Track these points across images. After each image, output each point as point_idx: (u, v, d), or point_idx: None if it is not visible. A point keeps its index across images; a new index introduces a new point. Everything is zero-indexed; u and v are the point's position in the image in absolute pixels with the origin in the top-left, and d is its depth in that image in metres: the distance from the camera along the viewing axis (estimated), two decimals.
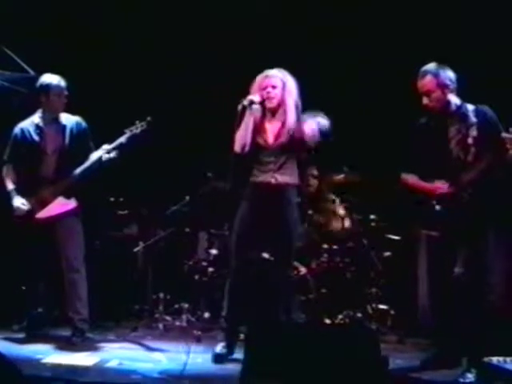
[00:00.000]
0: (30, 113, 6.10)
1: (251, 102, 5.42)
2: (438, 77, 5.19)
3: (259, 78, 5.54)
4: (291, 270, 5.69)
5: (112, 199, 7.32)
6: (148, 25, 7.64)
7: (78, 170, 5.91)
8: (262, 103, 5.50)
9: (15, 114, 6.30)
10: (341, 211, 6.96)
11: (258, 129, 5.53)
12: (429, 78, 5.19)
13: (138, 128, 5.96)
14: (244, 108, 5.40)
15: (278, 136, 5.52)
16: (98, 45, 7.56)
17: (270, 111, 5.55)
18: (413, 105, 5.98)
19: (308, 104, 7.23)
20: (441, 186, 5.19)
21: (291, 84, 5.53)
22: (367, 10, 7.31)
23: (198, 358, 5.54)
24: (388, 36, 7.24)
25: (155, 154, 7.23)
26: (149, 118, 5.98)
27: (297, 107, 5.52)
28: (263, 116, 5.58)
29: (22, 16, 7.15)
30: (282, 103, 5.51)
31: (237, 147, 5.47)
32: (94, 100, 6.85)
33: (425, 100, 5.23)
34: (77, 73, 6.41)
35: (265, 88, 5.47)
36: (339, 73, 7.41)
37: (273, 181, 5.47)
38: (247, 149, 5.45)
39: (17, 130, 6.08)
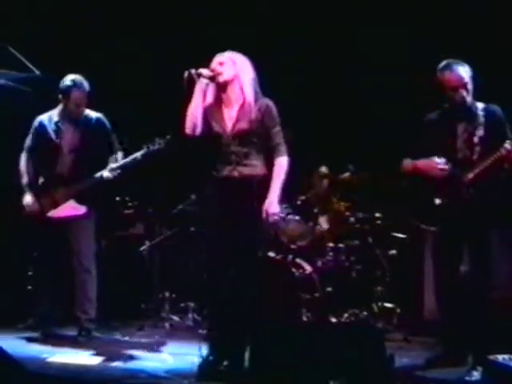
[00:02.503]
0: (34, 112, 6.13)
1: (198, 75, 5.00)
2: (468, 70, 5.22)
3: None
4: (249, 272, 5.13)
5: (118, 198, 7.33)
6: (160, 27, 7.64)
7: (92, 179, 5.92)
8: (212, 79, 5.06)
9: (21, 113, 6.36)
10: (345, 211, 6.97)
11: (215, 115, 5.10)
12: (463, 71, 5.21)
13: (155, 146, 5.87)
14: (191, 78, 4.99)
15: (236, 122, 5.07)
16: (106, 43, 7.56)
17: (225, 93, 5.09)
18: (418, 102, 6.01)
19: (309, 102, 7.24)
20: (437, 163, 5.21)
21: (242, 61, 5.11)
22: (369, 7, 7.30)
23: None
24: (395, 33, 7.23)
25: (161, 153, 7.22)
26: (168, 137, 5.88)
27: (253, 85, 5.09)
28: (219, 101, 5.13)
29: (28, 15, 7.17)
30: (234, 81, 5.06)
31: (187, 128, 5.07)
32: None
33: (464, 93, 5.20)
34: (83, 72, 6.42)
35: (213, 69, 5.07)
36: (342, 70, 7.40)
37: (236, 174, 5.06)
38: (199, 130, 5.05)
39: (36, 122, 6.11)
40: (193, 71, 4.98)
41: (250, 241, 5.09)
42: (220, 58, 5.10)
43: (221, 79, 5.05)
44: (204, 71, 5.03)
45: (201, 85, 5.04)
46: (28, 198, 6.02)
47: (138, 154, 5.90)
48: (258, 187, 5.07)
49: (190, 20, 7.58)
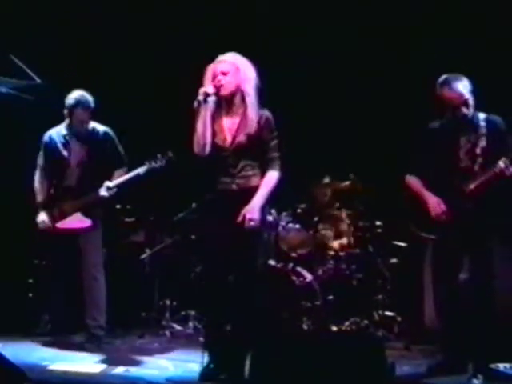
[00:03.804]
0: (37, 120, 6.17)
1: (206, 95, 4.89)
2: (467, 86, 5.23)
3: (210, 66, 5.02)
4: (252, 283, 5.07)
5: (119, 206, 7.33)
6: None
7: (92, 196, 5.98)
8: (217, 94, 4.95)
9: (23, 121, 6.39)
10: (345, 222, 6.98)
11: (215, 125, 5.01)
12: (462, 87, 5.21)
13: (157, 162, 5.95)
14: (200, 104, 4.91)
15: (236, 135, 5.00)
16: (107, 51, 7.58)
17: (226, 102, 5.01)
18: (420, 111, 6.02)
19: (311, 111, 7.22)
20: (436, 206, 5.23)
21: (246, 68, 4.99)
22: (369, 19, 7.32)
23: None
24: (396, 44, 7.25)
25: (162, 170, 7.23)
26: (170, 154, 5.95)
27: (256, 94, 4.98)
28: (220, 109, 5.04)
29: (29, 23, 7.19)
30: (237, 91, 4.97)
31: (196, 148, 4.99)
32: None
33: (464, 109, 5.21)
34: (84, 80, 6.44)
35: (216, 76, 4.95)
36: (344, 78, 7.41)
37: (234, 187, 5.02)
38: (208, 149, 4.99)
39: (46, 137, 6.19)
40: (201, 98, 4.89)
41: (248, 252, 5.05)
42: (223, 65, 4.99)
43: (223, 92, 4.98)
44: (209, 89, 4.92)
45: (208, 104, 4.95)
46: (42, 217, 6.10)
47: (140, 171, 5.97)
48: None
49: (191, 22, 7.59)
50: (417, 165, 5.41)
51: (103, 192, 5.94)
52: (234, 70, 4.96)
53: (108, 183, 5.94)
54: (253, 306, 5.08)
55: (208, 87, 4.94)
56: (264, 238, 5.34)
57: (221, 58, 5.03)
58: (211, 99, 4.95)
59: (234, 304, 5.12)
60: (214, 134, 5.02)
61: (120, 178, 5.98)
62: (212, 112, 4.99)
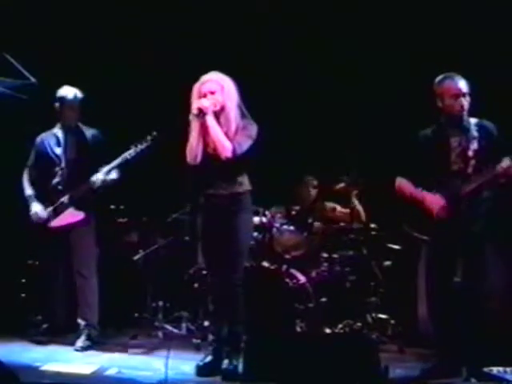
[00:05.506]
0: (31, 119, 6.18)
1: (200, 110, 5.22)
2: (467, 86, 5.26)
3: (196, 85, 5.34)
4: (237, 279, 5.34)
5: (112, 207, 7.32)
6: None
7: (87, 186, 6.02)
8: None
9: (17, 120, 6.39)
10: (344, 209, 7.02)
11: (207, 137, 5.31)
12: (462, 84, 5.24)
13: (143, 143, 6.01)
14: (195, 117, 5.25)
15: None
16: (101, 50, 7.57)
17: (215, 117, 5.30)
18: (414, 114, 6.02)
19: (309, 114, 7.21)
20: (436, 201, 5.22)
21: (229, 85, 5.33)
22: (365, 24, 7.32)
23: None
24: (391, 45, 7.25)
25: (156, 161, 7.21)
26: (155, 133, 6.03)
27: (237, 109, 5.33)
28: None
29: (24, 22, 7.17)
30: (223, 108, 5.29)
31: (189, 158, 5.30)
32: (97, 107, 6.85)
33: (465, 102, 5.24)
34: (79, 80, 6.43)
35: (204, 95, 5.27)
36: (339, 82, 7.41)
37: (222, 191, 5.31)
38: (199, 159, 5.30)
39: (38, 139, 6.31)
40: (195, 112, 5.20)
41: (229, 249, 5.29)
42: (210, 85, 5.28)
43: (215, 109, 5.28)
44: (205, 102, 5.20)
45: (199, 119, 5.24)
46: (36, 207, 6.17)
47: (126, 154, 6.03)
48: (243, 203, 5.33)
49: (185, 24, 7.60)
50: (409, 169, 5.41)
51: (96, 177, 5.98)
52: (219, 88, 5.29)
53: (102, 169, 6.01)
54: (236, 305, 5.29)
55: (204, 101, 5.23)
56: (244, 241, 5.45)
57: (206, 77, 5.34)
58: (208, 113, 5.22)
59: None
60: (206, 144, 5.30)
61: (108, 165, 6.01)
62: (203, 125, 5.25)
